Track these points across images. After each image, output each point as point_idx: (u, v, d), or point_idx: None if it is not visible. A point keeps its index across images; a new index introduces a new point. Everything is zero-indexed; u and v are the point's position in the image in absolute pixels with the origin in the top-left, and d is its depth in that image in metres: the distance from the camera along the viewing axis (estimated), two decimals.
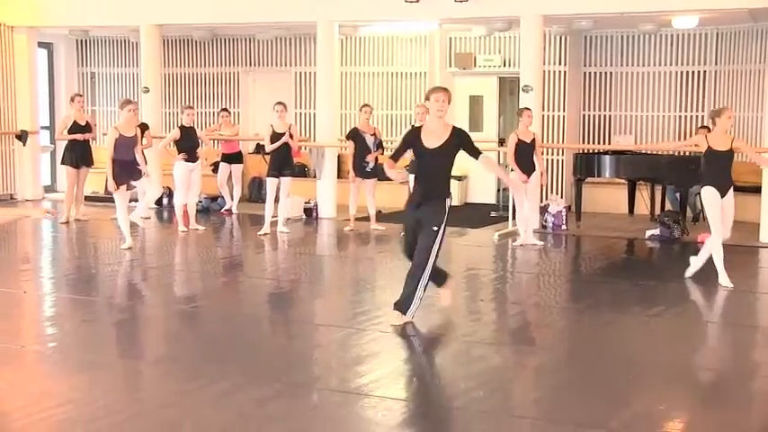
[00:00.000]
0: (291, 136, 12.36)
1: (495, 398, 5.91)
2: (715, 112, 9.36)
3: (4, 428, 5.01)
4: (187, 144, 12.60)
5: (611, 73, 15.24)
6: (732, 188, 9.12)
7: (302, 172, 15.46)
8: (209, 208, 14.64)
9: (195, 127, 13.02)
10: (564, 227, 12.78)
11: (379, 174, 12.97)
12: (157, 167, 14.19)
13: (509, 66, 15.29)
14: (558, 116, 15.01)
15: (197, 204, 13.15)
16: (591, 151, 14.03)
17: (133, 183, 11.22)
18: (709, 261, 9.15)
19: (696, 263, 9.33)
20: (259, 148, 15.38)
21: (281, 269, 10.76)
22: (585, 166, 13.12)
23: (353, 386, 5.89)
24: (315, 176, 14.60)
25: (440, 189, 7.29)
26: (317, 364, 6.66)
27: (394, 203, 14.49)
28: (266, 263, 11.24)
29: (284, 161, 12.40)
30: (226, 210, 14.58)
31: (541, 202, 12.94)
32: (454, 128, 7.38)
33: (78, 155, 13.30)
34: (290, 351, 6.91)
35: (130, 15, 15.22)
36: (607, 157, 13.13)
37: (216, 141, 15.10)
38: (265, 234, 12.28)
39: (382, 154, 12.87)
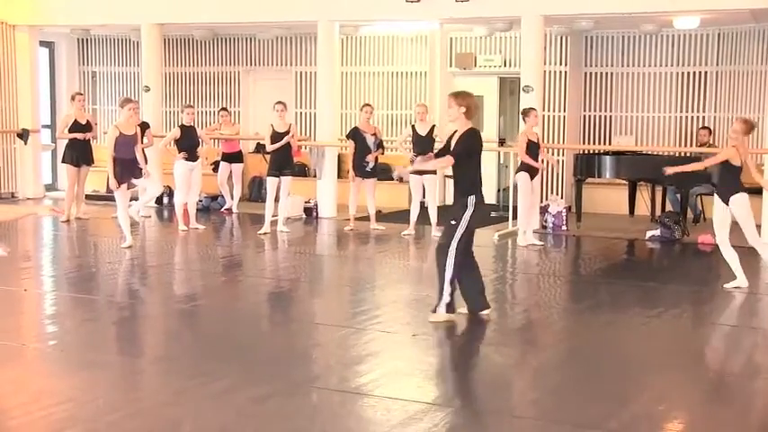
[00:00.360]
0: (292, 136, 12.36)
1: (494, 397, 5.92)
2: (751, 125, 9.24)
3: (5, 426, 5.02)
4: (187, 143, 12.61)
5: (611, 73, 15.24)
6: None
7: (302, 171, 15.46)
8: (210, 207, 14.64)
9: (195, 126, 13.02)
10: (564, 227, 12.78)
11: (379, 174, 13.01)
12: (158, 166, 14.20)
13: (510, 66, 15.28)
14: (559, 116, 15.00)
15: (197, 203, 13.15)
16: (591, 152, 14.03)
17: (134, 181, 11.21)
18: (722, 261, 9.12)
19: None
20: (259, 148, 15.38)
21: (280, 268, 10.76)
22: (586, 166, 13.11)
23: (353, 385, 5.90)
24: (315, 176, 14.60)
25: (459, 188, 7.54)
26: (317, 363, 6.67)
27: (394, 203, 14.53)
28: (266, 262, 11.24)
29: (284, 160, 12.41)
30: (226, 209, 14.59)
31: (541, 202, 12.94)
32: (465, 131, 7.53)
33: (79, 153, 13.30)
34: (289, 350, 6.91)
35: (131, 14, 15.22)
36: (608, 157, 13.13)
37: (216, 140, 15.10)
38: (265, 233, 12.29)
39: (382, 154, 12.89)
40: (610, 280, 9.98)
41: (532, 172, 11.49)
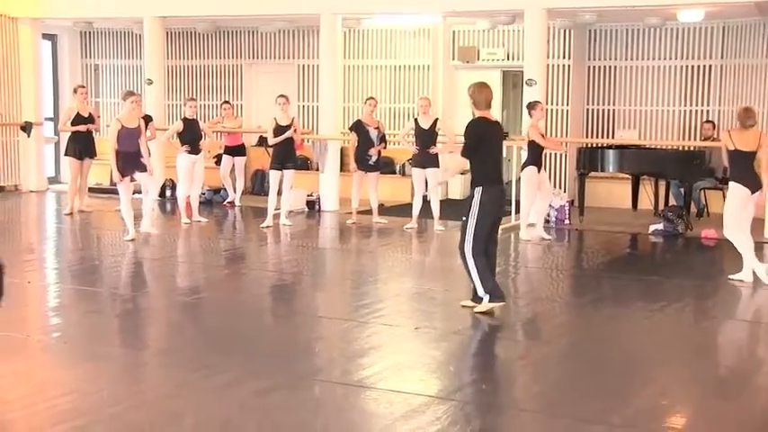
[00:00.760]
0: (294, 129, 12.35)
1: (497, 391, 5.93)
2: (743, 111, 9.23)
3: (9, 417, 5.03)
4: (190, 136, 12.60)
5: (615, 67, 15.22)
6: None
7: (305, 165, 15.46)
8: (212, 200, 14.64)
9: (198, 119, 13.02)
10: (567, 221, 12.77)
11: (381, 167, 13.02)
12: (161, 159, 14.20)
13: (513, 59, 15.25)
14: (562, 110, 14.99)
15: (200, 196, 13.15)
16: (595, 145, 14.01)
17: (136, 176, 11.13)
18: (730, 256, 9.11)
19: None
20: (262, 141, 15.39)
21: (283, 262, 10.76)
22: (589, 160, 13.08)
23: (356, 378, 5.90)
24: (317, 169, 14.59)
25: (472, 180, 7.68)
26: (320, 356, 6.67)
27: (396, 197, 14.52)
28: (269, 255, 11.25)
29: (287, 154, 12.40)
30: (228, 202, 14.59)
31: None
32: (468, 123, 7.75)
33: (81, 146, 13.31)
34: (292, 343, 6.91)
35: (134, 7, 15.22)
36: (611, 151, 13.10)
37: (219, 134, 15.10)
38: (268, 226, 12.29)
39: (385, 147, 12.88)
40: (612, 274, 9.97)
41: (539, 165, 11.47)
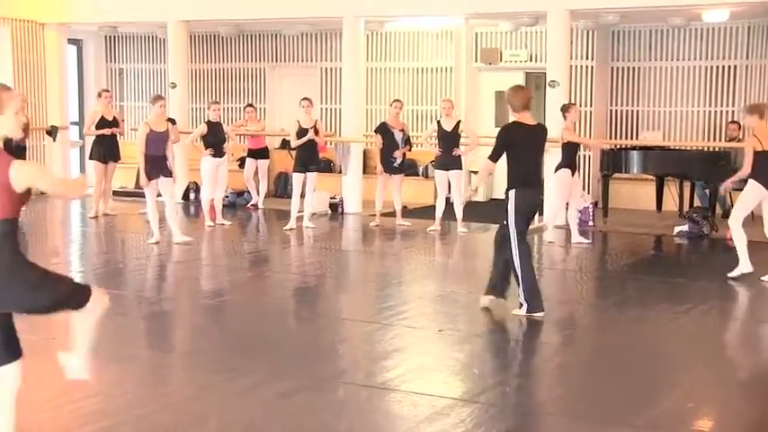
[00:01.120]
0: (317, 132, 12.37)
1: (521, 393, 5.91)
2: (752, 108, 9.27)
3: (36, 419, 5.06)
4: (214, 139, 12.65)
5: (639, 68, 15.14)
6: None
7: (328, 167, 15.48)
8: (236, 203, 14.69)
9: (222, 122, 13.07)
10: (591, 223, 12.71)
11: (406, 169, 13.01)
12: (184, 163, 14.26)
13: (535, 61, 15.21)
14: (586, 111, 14.91)
15: (223, 199, 13.20)
16: (618, 147, 13.94)
17: (160, 183, 11.07)
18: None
19: None
20: (285, 144, 15.42)
21: (306, 264, 10.78)
22: (613, 161, 13.02)
23: (379, 381, 5.90)
24: (340, 172, 14.62)
25: (508, 182, 7.66)
26: (343, 358, 6.68)
27: (419, 199, 14.51)
28: (292, 258, 11.27)
29: (310, 156, 12.43)
30: (252, 205, 14.63)
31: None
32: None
33: (106, 150, 13.38)
34: (316, 345, 6.92)
35: (158, 11, 15.30)
36: (635, 152, 13.04)
37: (242, 137, 15.14)
38: (291, 229, 12.31)
39: (410, 150, 12.88)
40: (637, 276, 9.92)
41: (573, 168, 11.42)
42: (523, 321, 7.46)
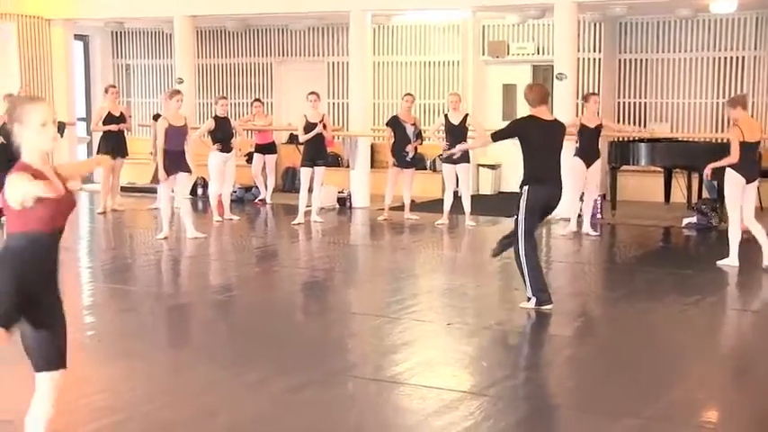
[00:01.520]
0: (324, 126, 12.37)
1: (530, 386, 5.90)
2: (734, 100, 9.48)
3: None
4: (221, 134, 12.65)
5: (646, 60, 15.10)
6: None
7: (335, 161, 15.48)
8: (244, 198, 14.70)
9: (229, 117, 13.06)
10: (599, 215, 12.67)
11: (417, 163, 13.00)
12: (192, 158, 14.25)
13: (543, 54, 15.18)
14: None
15: (231, 194, 13.20)
16: (626, 139, 13.91)
17: (177, 180, 11.06)
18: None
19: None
20: (293, 138, 15.43)
21: (315, 258, 10.78)
22: (621, 153, 12.99)
23: (388, 374, 5.90)
24: (348, 166, 14.62)
25: (522, 177, 7.60)
26: (352, 352, 6.68)
27: (427, 193, 14.50)
28: (300, 252, 11.27)
29: (318, 151, 12.42)
30: (260, 200, 14.63)
31: None
32: None
33: (113, 145, 13.38)
34: (324, 340, 6.92)
35: (164, 7, 15.31)
36: (643, 144, 13.00)
37: (249, 132, 15.15)
38: (299, 224, 12.32)
39: (421, 144, 12.86)
40: (646, 268, 9.90)
41: (587, 159, 11.38)
42: (532, 314, 7.46)
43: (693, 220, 11.97)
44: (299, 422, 5.09)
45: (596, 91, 14.78)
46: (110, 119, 13.45)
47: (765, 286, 8.76)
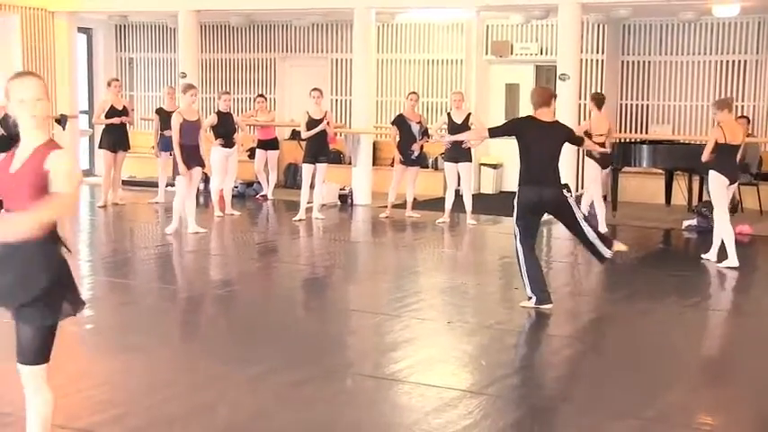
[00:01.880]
0: (328, 123, 12.38)
1: (529, 385, 5.91)
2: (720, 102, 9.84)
3: None
4: (224, 130, 12.66)
5: (649, 62, 15.10)
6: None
7: (338, 158, 15.48)
8: (245, 193, 14.70)
9: (232, 113, 13.07)
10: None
11: (423, 162, 13.01)
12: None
13: (546, 54, 15.18)
14: None
15: (233, 190, 13.21)
16: (628, 140, 13.92)
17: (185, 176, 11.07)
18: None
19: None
20: (295, 135, 15.43)
21: (315, 255, 10.80)
22: (622, 155, 13.00)
23: (388, 372, 5.91)
24: (350, 163, 14.62)
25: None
26: (352, 349, 6.69)
27: (428, 191, 14.50)
28: (301, 249, 11.28)
29: (320, 148, 12.43)
30: (261, 196, 14.64)
31: (577, 191, 12.85)
32: None
33: (115, 139, 13.40)
34: (324, 336, 6.94)
35: (169, 1, 15.31)
36: (644, 146, 13.02)
37: (252, 127, 15.14)
38: (300, 220, 12.33)
39: (427, 141, 12.87)
40: (646, 269, 9.90)
41: (602, 162, 11.42)
42: (532, 314, 7.47)
43: (694, 222, 11.98)
44: (299, 418, 5.11)
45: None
46: (112, 112, 13.45)
47: (765, 288, 8.76)
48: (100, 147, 13.77)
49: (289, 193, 14.80)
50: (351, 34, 14.98)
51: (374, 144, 14.74)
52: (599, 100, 11.76)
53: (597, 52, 14.94)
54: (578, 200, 12.55)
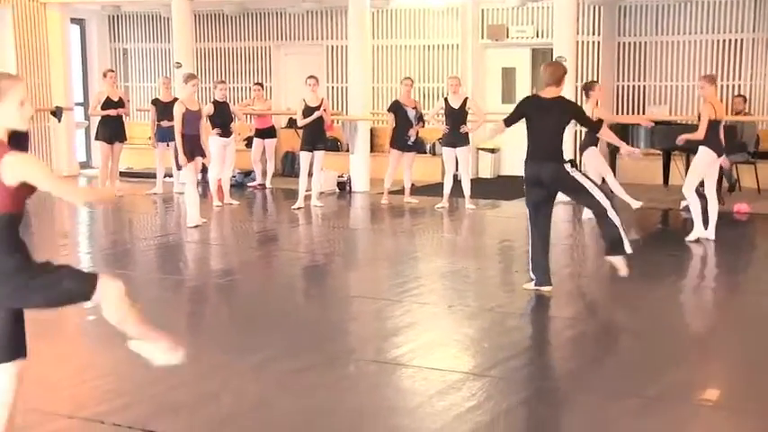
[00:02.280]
0: (324, 110, 12.36)
1: (531, 367, 5.93)
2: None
3: (51, 398, 5.10)
4: (220, 119, 12.64)
5: (645, 42, 15.09)
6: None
7: (335, 146, 15.47)
8: (243, 183, 14.69)
9: (228, 102, 13.04)
10: None
11: (419, 147, 13.00)
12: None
13: (542, 37, 15.16)
14: None
15: (231, 179, 13.20)
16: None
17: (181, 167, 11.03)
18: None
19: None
20: (292, 123, 15.41)
21: (315, 243, 10.81)
22: (620, 136, 12.92)
23: (390, 356, 5.93)
24: (348, 150, 14.62)
25: None
26: (354, 335, 6.71)
27: (427, 176, 14.51)
28: (301, 236, 11.29)
29: (317, 135, 12.42)
30: (259, 184, 14.63)
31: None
32: None
33: (112, 130, 13.38)
34: (325, 323, 6.95)
35: None
36: (642, 127, 13.01)
37: (249, 116, 15.12)
38: (299, 208, 12.33)
39: (423, 127, 12.86)
40: (645, 250, 9.90)
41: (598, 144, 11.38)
42: (532, 296, 7.49)
43: None
44: (302, 404, 5.12)
45: (596, 75, 14.84)
46: (108, 103, 13.42)
47: (764, 266, 8.78)
48: (96, 138, 13.76)
49: (287, 181, 14.80)
50: (346, 21, 14.94)
51: (371, 131, 14.73)
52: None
53: (593, 34, 14.92)
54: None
